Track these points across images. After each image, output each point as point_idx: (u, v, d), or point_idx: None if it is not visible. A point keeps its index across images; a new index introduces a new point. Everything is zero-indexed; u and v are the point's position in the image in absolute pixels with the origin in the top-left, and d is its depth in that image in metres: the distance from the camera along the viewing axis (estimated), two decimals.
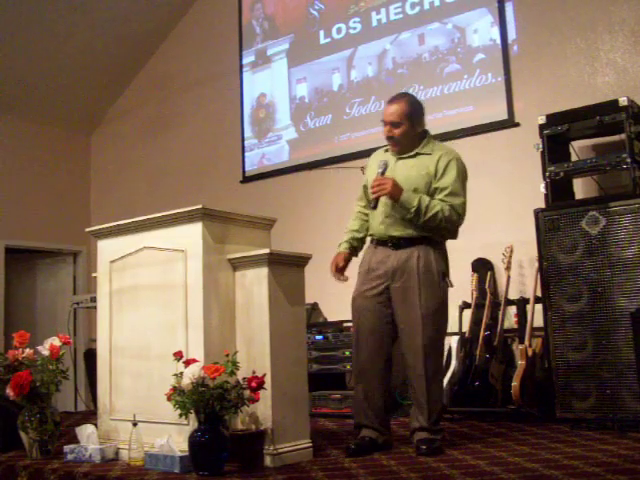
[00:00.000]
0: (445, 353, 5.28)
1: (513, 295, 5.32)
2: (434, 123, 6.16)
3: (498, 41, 5.92)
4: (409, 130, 3.88)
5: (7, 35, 7.43)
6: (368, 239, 4.10)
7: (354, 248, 4.14)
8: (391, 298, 3.86)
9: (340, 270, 4.08)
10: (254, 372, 3.43)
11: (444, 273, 3.84)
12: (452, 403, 5.01)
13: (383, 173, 3.84)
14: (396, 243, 3.85)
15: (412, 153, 3.94)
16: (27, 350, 4.03)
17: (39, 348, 4.00)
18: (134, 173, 8.65)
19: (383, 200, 3.84)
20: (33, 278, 9.10)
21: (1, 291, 8.11)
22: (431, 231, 3.82)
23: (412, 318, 3.76)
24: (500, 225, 5.64)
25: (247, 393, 3.36)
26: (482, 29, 6.05)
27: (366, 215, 4.10)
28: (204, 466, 3.27)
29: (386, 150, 4.08)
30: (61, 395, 4.25)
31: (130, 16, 7.97)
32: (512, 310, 5.32)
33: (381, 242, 3.93)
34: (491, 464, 3.29)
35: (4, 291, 8.17)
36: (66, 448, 3.80)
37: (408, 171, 3.88)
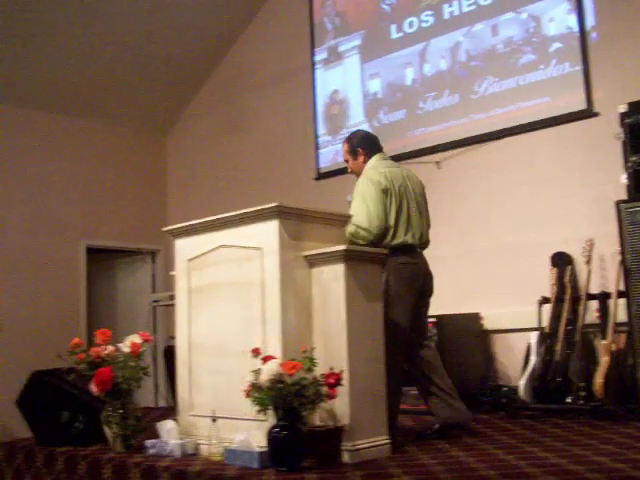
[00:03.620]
0: (524, 349, 5.22)
1: (594, 289, 5.18)
2: (509, 115, 6.10)
3: (575, 29, 5.76)
4: (353, 163, 4.53)
5: (83, 39, 7.63)
6: None
7: None
8: None
9: None
10: (331, 368, 3.43)
11: (386, 282, 4.09)
12: (532, 399, 4.92)
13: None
14: None
15: None
16: (109, 347, 4.11)
17: (120, 345, 4.08)
18: (209, 172, 8.77)
19: None
20: (113, 277, 9.34)
21: (83, 290, 8.36)
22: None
23: None
24: (580, 218, 5.50)
25: (324, 389, 3.36)
26: (558, 17, 5.90)
27: None
28: (282, 462, 3.29)
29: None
30: (142, 391, 4.33)
31: (202, 18, 8.10)
32: (593, 305, 5.19)
33: None
34: (574, 463, 3.20)
35: (86, 290, 8.41)
36: (148, 442, 3.88)
37: None
